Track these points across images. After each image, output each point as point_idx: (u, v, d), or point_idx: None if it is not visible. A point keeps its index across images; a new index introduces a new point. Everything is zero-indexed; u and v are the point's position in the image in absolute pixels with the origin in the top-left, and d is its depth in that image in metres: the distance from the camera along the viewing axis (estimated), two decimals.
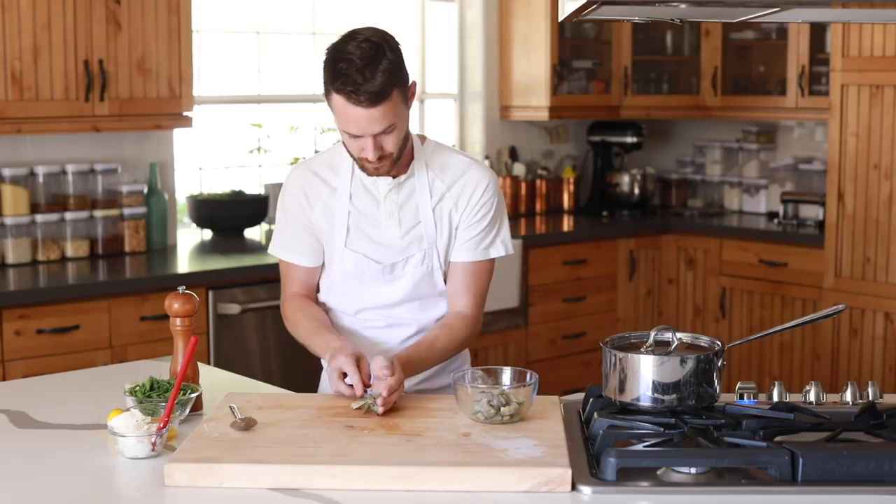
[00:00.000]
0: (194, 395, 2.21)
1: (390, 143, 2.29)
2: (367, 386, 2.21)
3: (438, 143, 2.51)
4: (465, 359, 2.60)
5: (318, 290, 2.57)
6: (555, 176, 5.72)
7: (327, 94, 2.27)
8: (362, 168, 2.36)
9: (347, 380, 2.24)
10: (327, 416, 2.15)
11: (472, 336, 2.49)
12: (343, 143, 2.36)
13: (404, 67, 2.28)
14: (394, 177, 2.39)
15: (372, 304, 2.47)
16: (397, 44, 2.28)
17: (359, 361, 2.24)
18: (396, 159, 2.34)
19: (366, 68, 2.19)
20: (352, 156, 2.35)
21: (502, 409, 2.09)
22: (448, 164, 2.46)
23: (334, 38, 2.31)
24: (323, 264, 2.52)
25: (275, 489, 1.86)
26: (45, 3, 3.86)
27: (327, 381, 2.59)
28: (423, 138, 2.48)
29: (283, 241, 2.51)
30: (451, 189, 2.44)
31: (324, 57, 2.27)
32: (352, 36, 2.25)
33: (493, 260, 2.50)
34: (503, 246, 2.50)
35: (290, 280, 2.53)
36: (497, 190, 2.48)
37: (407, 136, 2.35)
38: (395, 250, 2.43)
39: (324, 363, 2.60)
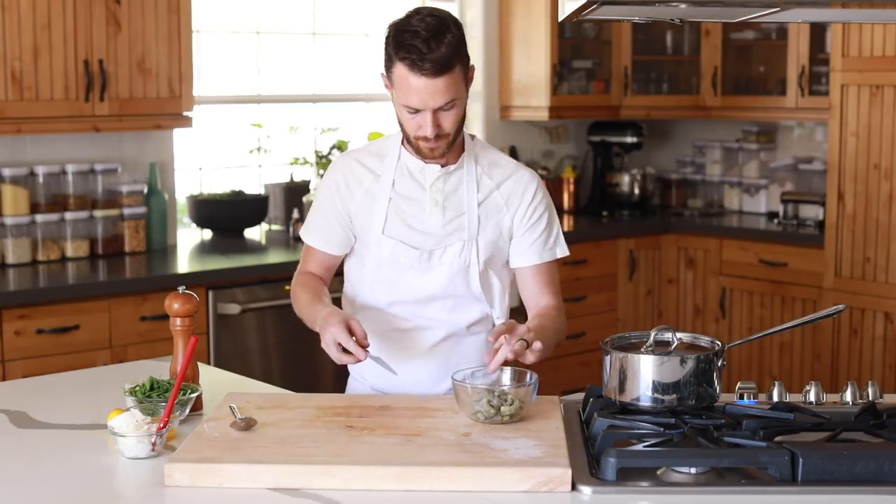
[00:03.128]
0: (194, 395, 2.21)
1: (448, 122, 2.30)
2: (363, 346, 2.20)
3: (485, 143, 2.54)
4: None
5: (337, 276, 2.56)
6: (555, 176, 5.72)
7: (389, 68, 2.29)
8: (417, 150, 2.37)
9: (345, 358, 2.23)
10: (327, 416, 2.15)
11: (565, 324, 2.51)
12: (400, 123, 2.36)
13: (466, 45, 2.31)
14: (443, 165, 2.40)
15: (405, 297, 2.44)
16: (459, 23, 2.32)
17: (349, 326, 2.22)
18: (452, 141, 2.34)
19: (431, 39, 2.23)
20: (407, 138, 2.37)
21: (502, 408, 2.09)
22: (497, 162, 2.48)
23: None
24: (353, 257, 2.52)
25: (275, 489, 1.86)
26: (45, 3, 3.86)
27: (353, 384, 2.60)
28: (472, 136, 2.49)
29: (314, 226, 2.52)
30: (500, 188, 2.45)
31: (385, 34, 2.30)
32: (416, 11, 2.29)
33: (558, 260, 2.52)
34: (564, 246, 2.53)
35: (309, 259, 2.54)
36: (546, 191, 2.51)
37: (463, 120, 2.35)
38: (434, 238, 2.42)
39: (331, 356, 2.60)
